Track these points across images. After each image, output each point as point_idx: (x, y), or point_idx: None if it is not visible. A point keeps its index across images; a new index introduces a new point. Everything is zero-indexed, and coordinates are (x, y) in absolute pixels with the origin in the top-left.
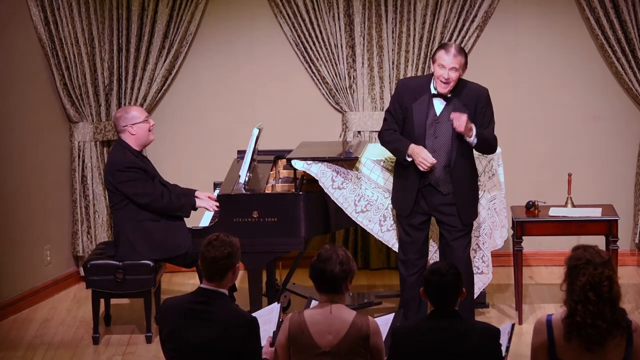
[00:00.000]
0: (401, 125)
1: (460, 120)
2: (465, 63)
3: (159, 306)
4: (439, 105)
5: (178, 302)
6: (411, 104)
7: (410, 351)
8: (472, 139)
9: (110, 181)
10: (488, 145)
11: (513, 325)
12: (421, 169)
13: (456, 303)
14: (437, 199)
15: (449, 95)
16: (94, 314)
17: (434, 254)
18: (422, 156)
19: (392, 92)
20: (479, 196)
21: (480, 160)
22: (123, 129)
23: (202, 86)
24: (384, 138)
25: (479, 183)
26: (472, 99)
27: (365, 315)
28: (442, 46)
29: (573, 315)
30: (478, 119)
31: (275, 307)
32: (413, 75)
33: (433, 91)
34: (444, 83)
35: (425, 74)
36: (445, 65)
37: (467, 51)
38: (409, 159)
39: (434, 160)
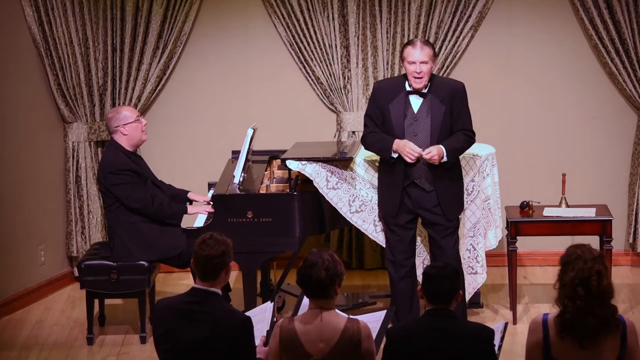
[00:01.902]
0: (381, 128)
1: (433, 158)
2: (434, 54)
3: (153, 306)
4: (415, 102)
5: (172, 302)
6: (388, 105)
7: (404, 352)
8: (444, 159)
9: (103, 183)
10: (462, 151)
11: (506, 324)
12: (408, 160)
13: (452, 304)
14: (421, 197)
15: (425, 91)
16: (88, 315)
17: (425, 258)
18: (409, 147)
19: (369, 98)
20: (474, 197)
21: (475, 161)
22: (115, 129)
23: (196, 86)
24: (367, 141)
25: (472, 183)
26: (447, 93)
27: (357, 319)
28: (408, 43)
29: (564, 313)
30: (454, 113)
31: (268, 305)
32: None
33: (408, 89)
34: (417, 78)
35: None
36: (415, 60)
37: (461, 51)
38: (395, 155)
39: (420, 150)
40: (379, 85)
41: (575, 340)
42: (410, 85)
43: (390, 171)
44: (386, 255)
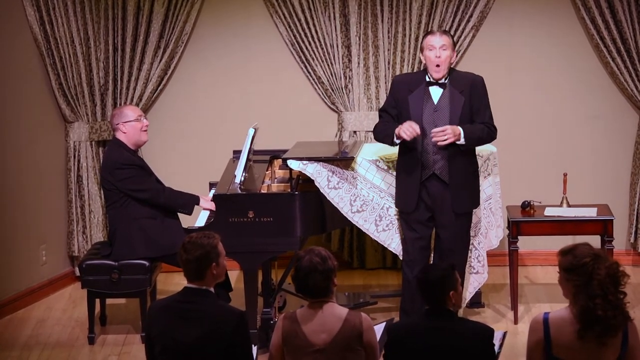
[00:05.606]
0: (397, 120)
1: (442, 136)
2: (454, 44)
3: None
4: (436, 93)
5: (165, 303)
6: (407, 97)
7: (405, 349)
8: (461, 141)
9: (109, 180)
10: (480, 140)
11: (505, 333)
12: (404, 137)
13: (447, 302)
14: (440, 191)
15: (445, 81)
16: (89, 314)
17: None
18: (407, 123)
19: (388, 92)
20: None
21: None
22: (116, 126)
23: (197, 86)
24: (376, 129)
25: None
26: (467, 85)
27: (358, 312)
28: (427, 33)
29: (591, 311)
30: (474, 106)
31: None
32: None
33: (428, 80)
34: (437, 66)
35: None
36: (435, 45)
37: (462, 51)
38: (398, 141)
39: (417, 129)
40: (399, 78)
41: (601, 336)
42: (430, 76)
43: (409, 163)
44: (402, 257)
